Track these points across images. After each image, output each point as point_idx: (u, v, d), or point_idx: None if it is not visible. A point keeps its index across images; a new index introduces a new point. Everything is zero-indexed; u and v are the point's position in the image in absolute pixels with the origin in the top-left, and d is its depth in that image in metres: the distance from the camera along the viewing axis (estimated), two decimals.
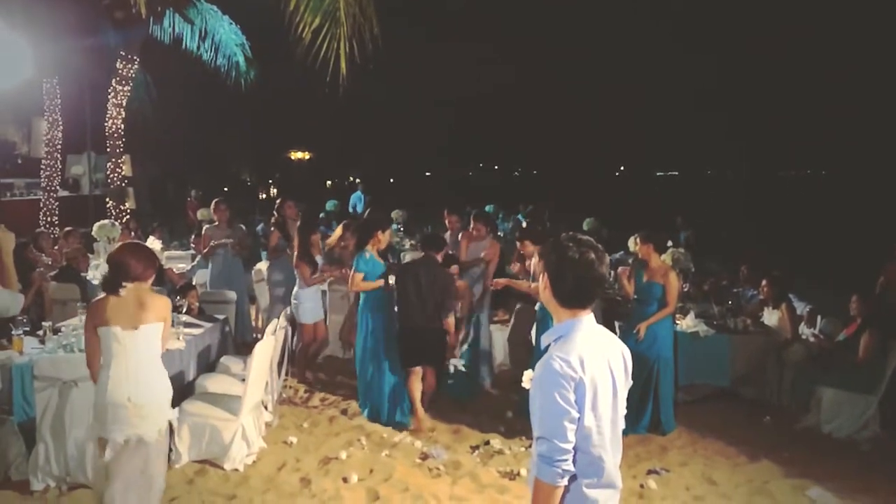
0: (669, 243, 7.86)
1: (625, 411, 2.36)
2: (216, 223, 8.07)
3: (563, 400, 2.11)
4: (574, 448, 2.14)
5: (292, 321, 6.87)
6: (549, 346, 2.26)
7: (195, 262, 8.52)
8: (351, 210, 15.99)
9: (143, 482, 3.63)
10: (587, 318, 2.27)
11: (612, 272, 6.56)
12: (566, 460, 2.12)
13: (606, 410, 2.20)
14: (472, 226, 7.22)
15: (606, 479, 2.22)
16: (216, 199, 8.32)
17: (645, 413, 5.74)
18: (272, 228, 7.66)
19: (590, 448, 2.17)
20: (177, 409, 3.80)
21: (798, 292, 7.51)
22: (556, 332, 2.27)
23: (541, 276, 2.35)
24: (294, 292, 6.96)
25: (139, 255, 3.64)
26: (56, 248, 8.69)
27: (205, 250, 8.09)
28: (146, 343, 3.58)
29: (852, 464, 5.29)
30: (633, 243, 8.73)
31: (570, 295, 2.26)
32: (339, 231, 7.51)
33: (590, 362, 2.16)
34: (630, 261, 7.35)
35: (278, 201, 8.05)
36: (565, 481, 2.14)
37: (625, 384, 2.31)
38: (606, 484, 2.23)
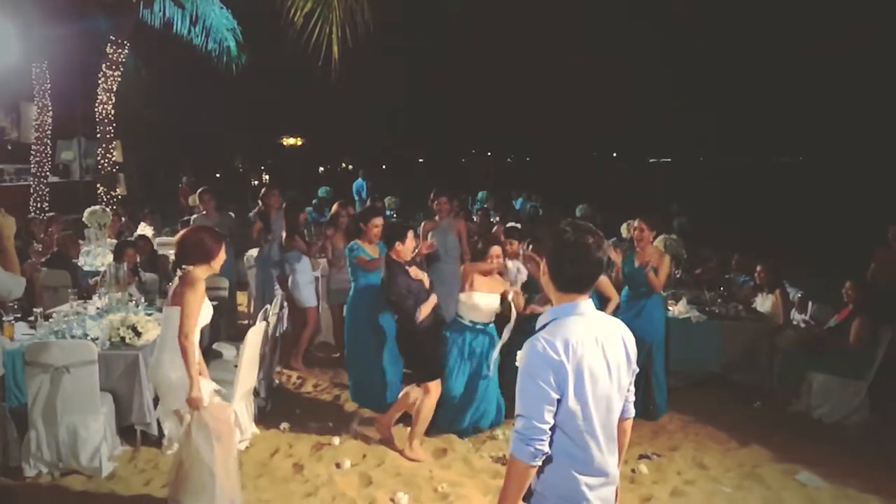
0: None
1: (632, 398, 2.37)
2: (203, 212, 8.02)
3: (542, 381, 2.11)
4: (558, 429, 2.15)
5: (287, 306, 6.88)
6: (543, 326, 2.25)
7: None
8: (356, 197, 15.65)
9: (179, 461, 3.86)
10: (584, 303, 2.26)
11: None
12: (542, 440, 2.12)
13: (599, 396, 2.19)
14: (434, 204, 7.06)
15: (597, 466, 2.22)
16: (201, 189, 8.27)
17: (636, 397, 5.73)
18: (255, 218, 7.52)
19: (574, 432, 2.17)
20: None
21: (788, 279, 7.55)
22: (551, 315, 2.26)
23: (541, 261, 2.35)
24: (290, 279, 6.97)
25: (208, 232, 3.89)
26: (44, 235, 8.63)
27: None
28: (165, 325, 3.83)
29: (842, 448, 5.33)
30: (625, 230, 8.76)
31: (567, 279, 2.26)
32: (335, 209, 7.49)
33: (578, 347, 2.15)
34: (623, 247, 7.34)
35: (263, 190, 7.93)
36: (539, 462, 2.15)
37: (626, 370, 2.31)
38: (597, 471, 2.22)
